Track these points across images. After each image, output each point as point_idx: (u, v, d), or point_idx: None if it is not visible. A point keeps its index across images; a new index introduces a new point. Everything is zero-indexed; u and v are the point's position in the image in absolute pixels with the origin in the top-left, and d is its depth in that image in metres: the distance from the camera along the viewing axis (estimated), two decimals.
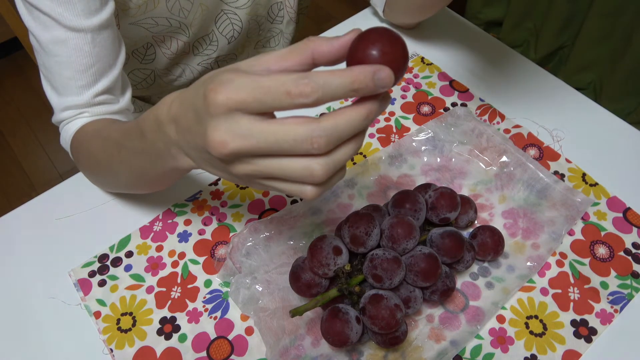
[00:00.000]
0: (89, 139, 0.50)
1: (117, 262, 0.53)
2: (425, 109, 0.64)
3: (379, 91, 0.28)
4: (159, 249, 0.53)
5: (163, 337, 0.48)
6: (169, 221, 0.55)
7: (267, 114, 0.29)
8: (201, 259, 0.53)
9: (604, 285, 0.50)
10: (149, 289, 0.51)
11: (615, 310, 0.48)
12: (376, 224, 0.45)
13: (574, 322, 0.48)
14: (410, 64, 0.69)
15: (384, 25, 0.74)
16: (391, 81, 0.28)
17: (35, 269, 0.53)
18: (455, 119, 0.60)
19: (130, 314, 0.49)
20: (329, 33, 0.74)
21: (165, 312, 0.49)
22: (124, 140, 0.43)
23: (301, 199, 0.56)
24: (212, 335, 0.48)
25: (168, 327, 0.49)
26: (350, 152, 0.30)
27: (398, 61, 0.29)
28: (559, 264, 0.51)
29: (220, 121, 0.28)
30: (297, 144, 0.28)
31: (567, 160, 0.59)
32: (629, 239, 0.53)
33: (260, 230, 0.51)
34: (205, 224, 0.55)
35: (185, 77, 0.76)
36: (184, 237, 0.54)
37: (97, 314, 0.49)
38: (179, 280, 0.51)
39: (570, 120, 0.62)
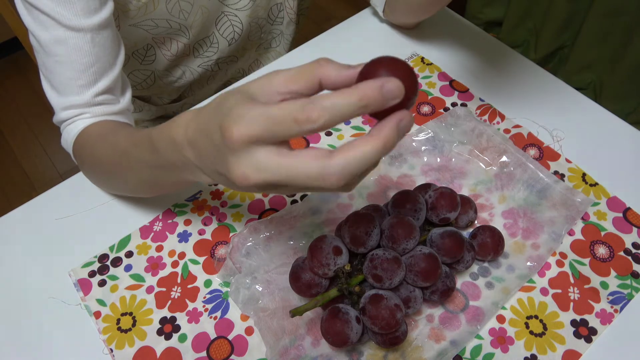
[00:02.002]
0: (93, 143, 0.50)
1: (117, 262, 0.53)
2: (425, 109, 0.64)
3: (390, 103, 0.28)
4: (159, 249, 0.53)
5: (163, 337, 0.48)
6: (169, 221, 0.55)
7: (283, 142, 0.29)
8: (201, 259, 0.53)
9: (604, 285, 0.50)
10: (149, 289, 0.51)
11: (615, 310, 0.48)
12: (376, 224, 0.45)
13: (574, 322, 0.48)
14: (410, 64, 0.69)
15: (385, 24, 0.74)
16: (401, 92, 0.28)
17: (35, 269, 0.53)
18: (455, 119, 0.60)
19: (130, 314, 0.49)
20: (329, 33, 0.74)
21: (165, 312, 0.49)
22: (134, 151, 0.43)
23: (301, 199, 0.56)
24: (212, 335, 0.48)
25: (168, 327, 0.49)
26: (364, 177, 0.30)
27: (407, 81, 0.29)
28: (559, 264, 0.51)
29: (240, 157, 0.29)
30: (310, 180, 0.28)
31: (567, 160, 0.59)
32: (629, 239, 0.53)
33: (260, 230, 0.51)
34: (205, 224, 0.55)
35: (185, 78, 0.76)
36: (184, 237, 0.54)
37: (97, 314, 0.49)
38: (179, 280, 0.51)
39: (570, 120, 0.62)
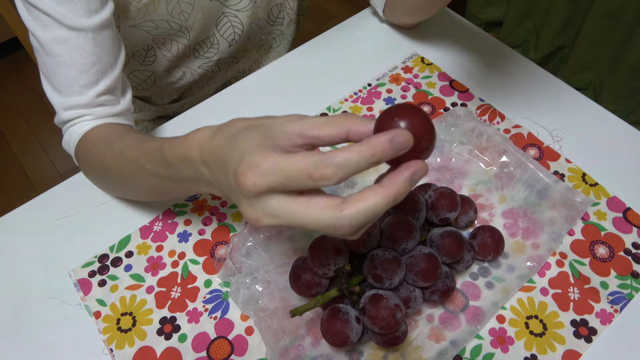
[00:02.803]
0: (99, 148, 0.50)
1: (117, 262, 0.53)
2: (425, 109, 0.64)
3: (400, 153, 0.29)
4: (159, 249, 0.53)
5: (163, 337, 0.48)
6: (169, 221, 0.55)
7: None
8: (201, 259, 0.53)
9: (604, 285, 0.50)
10: (149, 289, 0.51)
11: (615, 310, 0.48)
12: (376, 224, 0.45)
13: (574, 322, 0.48)
14: (410, 64, 0.69)
15: (385, 23, 0.74)
16: (410, 142, 0.28)
17: (35, 269, 0.53)
18: (455, 119, 0.60)
19: (130, 314, 0.49)
20: (329, 33, 0.74)
21: (165, 312, 0.49)
22: (145, 163, 0.43)
23: None
24: (212, 335, 0.48)
25: (168, 327, 0.49)
26: (373, 203, 0.30)
27: (423, 130, 0.29)
28: (559, 264, 0.51)
29: (252, 202, 0.30)
30: (321, 228, 0.29)
31: (567, 160, 0.59)
32: (629, 239, 0.53)
33: (260, 230, 0.51)
34: (205, 224, 0.55)
35: (185, 79, 0.76)
36: (184, 237, 0.54)
37: (97, 314, 0.49)
38: (179, 280, 0.51)
39: (570, 120, 0.62)
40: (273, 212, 0.30)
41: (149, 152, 0.42)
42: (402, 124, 0.29)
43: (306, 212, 0.29)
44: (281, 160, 0.29)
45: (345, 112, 0.31)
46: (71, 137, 0.53)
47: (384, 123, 0.30)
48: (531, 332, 0.47)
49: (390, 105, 0.31)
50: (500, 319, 0.48)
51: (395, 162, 0.30)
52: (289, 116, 0.31)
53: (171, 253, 0.53)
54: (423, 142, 0.29)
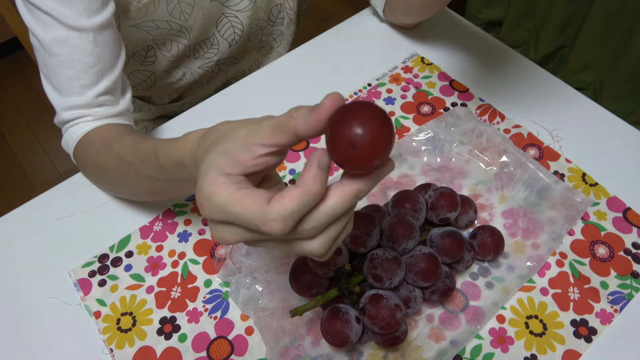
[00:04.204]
0: (97, 151, 0.50)
1: (117, 262, 0.53)
2: (425, 109, 0.64)
3: (328, 173, 0.28)
4: (159, 249, 0.53)
5: (163, 337, 0.48)
6: (169, 221, 0.55)
7: None
8: (201, 259, 0.53)
9: (604, 285, 0.50)
10: (149, 289, 0.51)
11: (615, 310, 0.48)
12: (376, 224, 0.45)
13: (574, 322, 0.48)
14: (410, 64, 0.69)
15: (385, 23, 0.74)
16: (370, 188, 0.29)
17: (35, 269, 0.53)
18: (455, 119, 0.60)
19: (130, 313, 0.49)
20: (329, 33, 0.74)
21: (165, 312, 0.49)
22: (141, 166, 0.43)
23: None
24: (212, 335, 0.48)
25: (168, 327, 0.49)
26: (341, 227, 0.30)
27: (381, 143, 0.26)
28: (559, 264, 0.51)
29: (215, 224, 0.30)
30: (289, 238, 0.30)
31: (567, 160, 0.59)
32: (629, 239, 0.53)
33: None
34: (205, 224, 0.55)
35: (185, 79, 0.76)
36: (184, 237, 0.54)
37: (97, 314, 0.49)
38: (179, 280, 0.51)
39: (570, 120, 0.62)
40: (237, 232, 0.30)
41: (145, 157, 0.42)
42: (356, 131, 0.26)
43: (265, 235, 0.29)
44: (230, 200, 0.28)
45: (295, 107, 0.30)
46: (70, 138, 0.53)
47: (337, 129, 0.27)
48: (531, 332, 0.47)
49: (342, 106, 0.28)
50: (500, 318, 0.48)
51: (353, 171, 0.29)
52: (251, 125, 0.30)
53: (171, 253, 0.53)
54: (383, 151, 0.27)
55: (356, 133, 0.26)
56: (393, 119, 0.63)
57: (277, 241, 0.30)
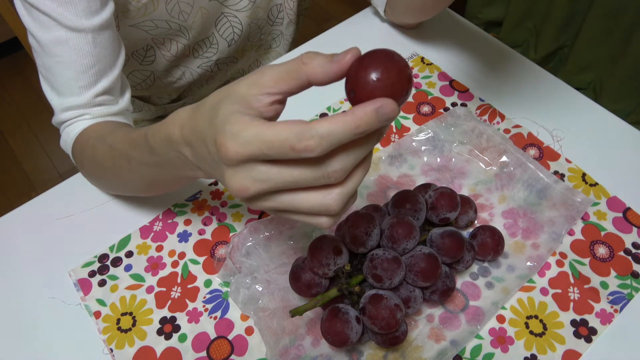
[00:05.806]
0: (93, 145, 0.50)
1: (117, 262, 0.53)
2: (425, 109, 0.64)
3: (385, 124, 0.28)
4: (159, 249, 0.53)
5: (163, 337, 0.48)
6: (169, 221, 0.55)
7: None
8: (201, 259, 0.53)
9: (604, 285, 0.50)
10: (149, 289, 0.51)
11: (615, 310, 0.48)
12: (376, 224, 0.45)
13: (574, 322, 0.48)
14: (410, 64, 0.69)
15: (385, 23, 0.74)
16: (395, 113, 0.28)
17: (35, 269, 0.53)
18: (455, 119, 0.60)
19: (130, 313, 0.49)
20: (329, 33, 0.74)
21: (165, 312, 0.49)
22: (132, 152, 0.43)
23: None
24: (212, 335, 0.48)
25: (168, 327, 0.49)
26: (360, 178, 0.30)
27: (401, 85, 0.28)
28: (559, 264, 0.51)
29: (236, 170, 0.29)
30: (315, 180, 0.29)
31: (567, 160, 0.59)
32: (629, 239, 0.53)
33: (260, 230, 0.51)
34: (205, 224, 0.55)
35: (185, 79, 0.76)
36: (184, 237, 0.54)
37: (97, 314, 0.49)
38: (179, 280, 0.51)
39: (570, 120, 0.62)
40: (261, 176, 0.29)
41: (136, 141, 0.42)
42: (383, 81, 0.28)
43: (292, 171, 0.29)
44: (262, 129, 0.28)
45: (307, 53, 0.30)
46: (68, 136, 0.53)
47: (360, 74, 0.29)
48: (531, 332, 0.47)
49: (365, 52, 0.30)
50: (500, 318, 0.48)
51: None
52: (252, 75, 0.30)
53: (171, 253, 0.53)
54: (402, 98, 0.28)
55: (385, 69, 0.28)
56: None
57: (299, 191, 0.29)
